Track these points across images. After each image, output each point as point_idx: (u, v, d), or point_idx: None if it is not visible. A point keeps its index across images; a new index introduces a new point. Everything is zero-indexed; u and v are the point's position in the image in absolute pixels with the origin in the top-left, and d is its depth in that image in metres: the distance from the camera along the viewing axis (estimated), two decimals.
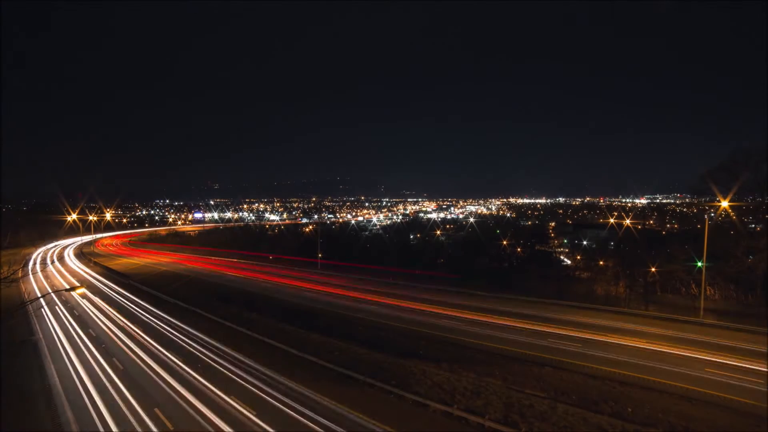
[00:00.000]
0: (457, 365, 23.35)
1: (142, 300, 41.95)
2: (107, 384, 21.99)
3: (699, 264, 37.81)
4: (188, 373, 23.10)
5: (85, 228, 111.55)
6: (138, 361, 25.23)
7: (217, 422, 17.81)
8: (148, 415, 18.60)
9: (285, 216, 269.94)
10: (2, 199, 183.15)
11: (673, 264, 43.65)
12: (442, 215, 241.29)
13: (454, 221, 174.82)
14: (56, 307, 39.25)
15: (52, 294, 43.64)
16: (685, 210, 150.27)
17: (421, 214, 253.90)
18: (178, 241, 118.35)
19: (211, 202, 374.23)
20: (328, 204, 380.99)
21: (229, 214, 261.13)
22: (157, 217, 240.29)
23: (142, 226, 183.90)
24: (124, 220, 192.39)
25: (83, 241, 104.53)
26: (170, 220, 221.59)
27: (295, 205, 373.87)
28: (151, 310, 37.69)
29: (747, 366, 22.94)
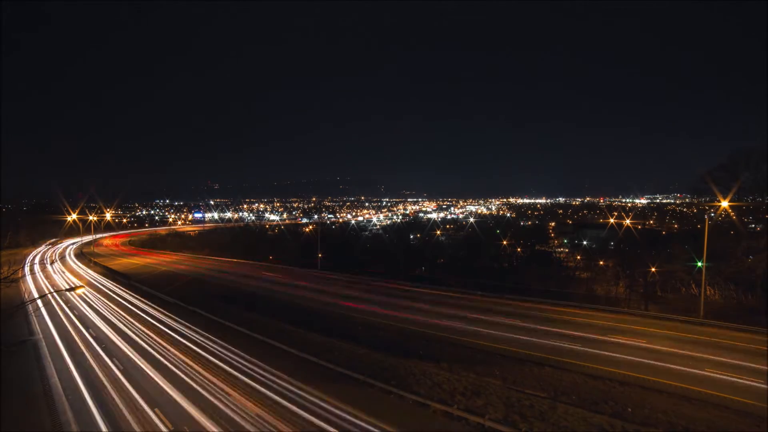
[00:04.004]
0: (457, 365, 23.34)
1: (141, 299, 41.96)
2: (107, 384, 21.98)
3: (699, 264, 37.83)
4: (190, 372, 23.10)
5: (85, 228, 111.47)
6: (138, 360, 25.22)
7: (219, 421, 17.83)
8: (148, 415, 18.59)
9: (285, 216, 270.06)
10: (2, 199, 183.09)
11: (673, 264, 43.73)
12: (442, 215, 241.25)
13: (454, 221, 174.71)
14: (56, 307, 39.23)
15: (53, 294, 43.62)
16: (685, 210, 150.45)
17: (421, 214, 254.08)
18: (177, 241, 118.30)
19: (211, 202, 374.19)
20: (328, 204, 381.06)
21: (229, 214, 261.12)
22: (157, 217, 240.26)
23: (142, 226, 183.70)
24: (124, 220, 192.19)
25: (83, 241, 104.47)
26: (170, 220, 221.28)
27: (295, 205, 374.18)
28: (151, 309, 37.70)
29: (747, 365, 22.94)
